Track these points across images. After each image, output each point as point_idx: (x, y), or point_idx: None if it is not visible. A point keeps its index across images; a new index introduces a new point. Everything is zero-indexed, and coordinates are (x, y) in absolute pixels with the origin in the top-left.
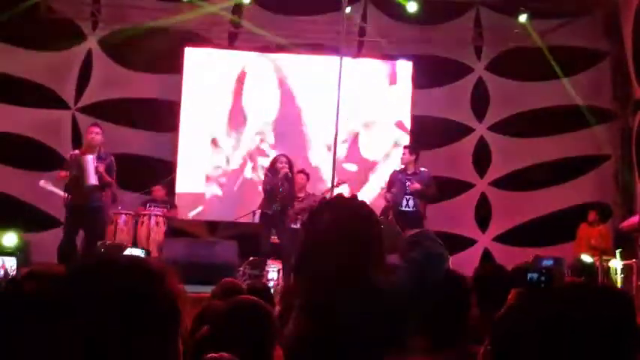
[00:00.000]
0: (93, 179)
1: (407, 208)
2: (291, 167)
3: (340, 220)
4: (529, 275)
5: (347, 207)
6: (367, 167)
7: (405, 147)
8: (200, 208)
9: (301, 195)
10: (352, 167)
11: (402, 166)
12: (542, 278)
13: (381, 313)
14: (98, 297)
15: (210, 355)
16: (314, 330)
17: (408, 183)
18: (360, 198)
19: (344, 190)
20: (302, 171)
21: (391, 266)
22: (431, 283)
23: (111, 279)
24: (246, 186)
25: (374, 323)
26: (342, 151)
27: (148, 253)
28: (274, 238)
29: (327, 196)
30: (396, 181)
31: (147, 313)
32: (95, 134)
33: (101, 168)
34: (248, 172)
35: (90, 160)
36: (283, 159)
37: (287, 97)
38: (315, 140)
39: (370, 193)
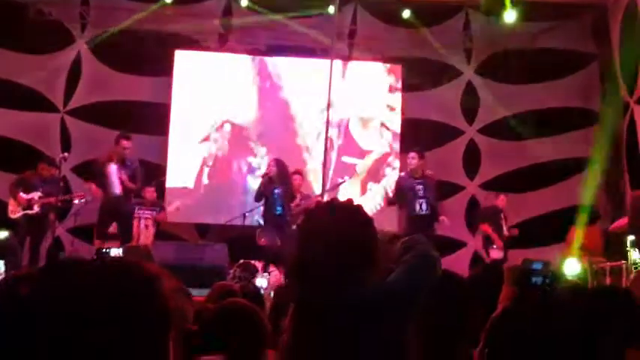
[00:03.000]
0: (117, 189)
1: (422, 212)
2: (283, 169)
3: (335, 223)
4: (533, 279)
5: (342, 210)
6: (378, 159)
7: (413, 151)
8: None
9: (297, 196)
10: (353, 160)
11: (408, 171)
12: (547, 281)
13: (376, 315)
14: (88, 300)
15: (204, 357)
16: (309, 331)
17: (418, 187)
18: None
19: (346, 187)
20: (297, 172)
21: (386, 269)
22: (426, 285)
23: (101, 282)
24: (232, 188)
25: (369, 325)
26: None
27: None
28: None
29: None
30: (405, 187)
31: (137, 316)
32: (128, 150)
33: (124, 177)
34: (233, 174)
35: (114, 170)
36: (272, 162)
37: (276, 99)
38: (305, 141)
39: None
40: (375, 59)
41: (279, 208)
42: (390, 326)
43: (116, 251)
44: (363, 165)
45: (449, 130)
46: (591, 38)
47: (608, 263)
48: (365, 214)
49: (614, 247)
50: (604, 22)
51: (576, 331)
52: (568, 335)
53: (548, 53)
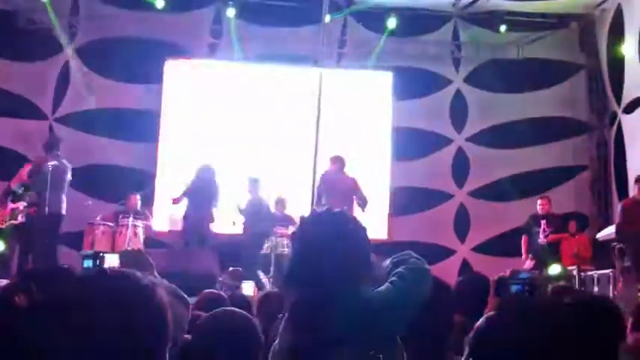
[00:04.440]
0: None
1: None
2: None
3: (329, 233)
4: (513, 287)
5: (337, 219)
6: None
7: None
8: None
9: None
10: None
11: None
12: (526, 288)
13: (367, 324)
14: (89, 310)
15: None
16: (301, 340)
17: None
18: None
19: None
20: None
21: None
22: (419, 297)
23: (101, 292)
24: None
25: (361, 333)
26: None
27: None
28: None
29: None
30: None
31: (135, 326)
32: None
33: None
34: None
35: None
36: None
37: (265, 108)
38: (295, 152)
39: None
40: (364, 68)
41: None
42: (383, 335)
43: (111, 256)
44: None
45: (438, 139)
46: (578, 48)
47: (595, 271)
48: (359, 223)
49: (601, 255)
50: (591, 33)
51: (560, 340)
52: (552, 343)
53: (536, 63)
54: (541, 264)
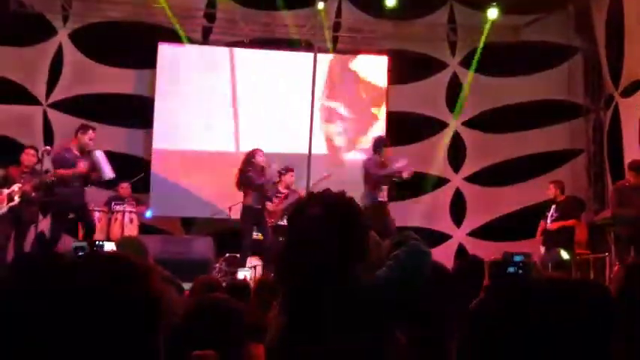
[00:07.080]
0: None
1: (383, 199)
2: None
3: (326, 215)
4: (509, 269)
5: (333, 203)
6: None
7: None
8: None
9: (285, 191)
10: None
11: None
12: (520, 272)
13: (362, 309)
14: (78, 294)
15: (195, 353)
16: (296, 325)
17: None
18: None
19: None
20: (290, 169)
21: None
22: (417, 279)
23: (92, 277)
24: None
25: (355, 318)
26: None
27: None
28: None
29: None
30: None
31: (128, 311)
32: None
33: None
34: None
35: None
36: (261, 152)
37: (260, 91)
38: (290, 134)
39: None
40: (359, 52)
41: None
42: (379, 319)
43: (110, 244)
44: None
45: (434, 123)
46: (575, 31)
47: (591, 255)
48: (357, 206)
49: (597, 239)
50: (588, 15)
51: (551, 325)
52: (543, 328)
53: (532, 46)
54: (548, 250)
